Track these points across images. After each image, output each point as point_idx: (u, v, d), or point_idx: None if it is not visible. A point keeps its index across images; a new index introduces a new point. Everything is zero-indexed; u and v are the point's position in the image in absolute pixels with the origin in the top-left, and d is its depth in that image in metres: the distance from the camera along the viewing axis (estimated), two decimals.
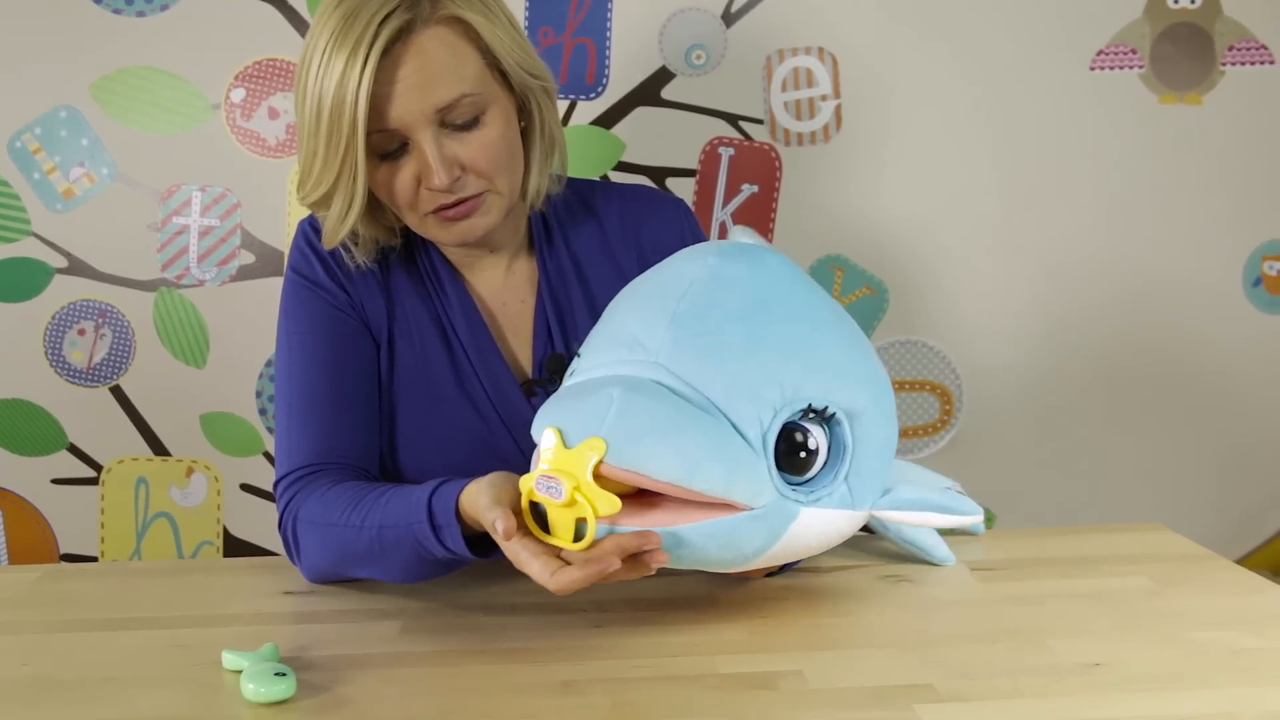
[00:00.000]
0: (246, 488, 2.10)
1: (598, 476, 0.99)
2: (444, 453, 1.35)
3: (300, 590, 1.32)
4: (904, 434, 2.16)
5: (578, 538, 1.02)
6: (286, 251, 1.40)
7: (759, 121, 2.06)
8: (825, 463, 1.06)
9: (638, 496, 1.03)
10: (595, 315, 1.40)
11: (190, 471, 2.09)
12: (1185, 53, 2.09)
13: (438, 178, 1.24)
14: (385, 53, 1.21)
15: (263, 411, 2.07)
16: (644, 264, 1.43)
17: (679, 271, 1.10)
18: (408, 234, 1.40)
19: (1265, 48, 2.10)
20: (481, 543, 1.16)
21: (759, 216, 2.08)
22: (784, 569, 1.31)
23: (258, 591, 1.32)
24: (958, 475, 1.71)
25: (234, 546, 2.11)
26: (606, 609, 1.24)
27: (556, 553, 1.04)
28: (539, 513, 1.04)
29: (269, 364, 2.05)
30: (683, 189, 2.06)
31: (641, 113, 2.04)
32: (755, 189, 2.08)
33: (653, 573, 1.03)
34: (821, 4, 2.06)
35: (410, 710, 1.02)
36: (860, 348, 1.11)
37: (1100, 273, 2.15)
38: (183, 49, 1.99)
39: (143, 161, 2.01)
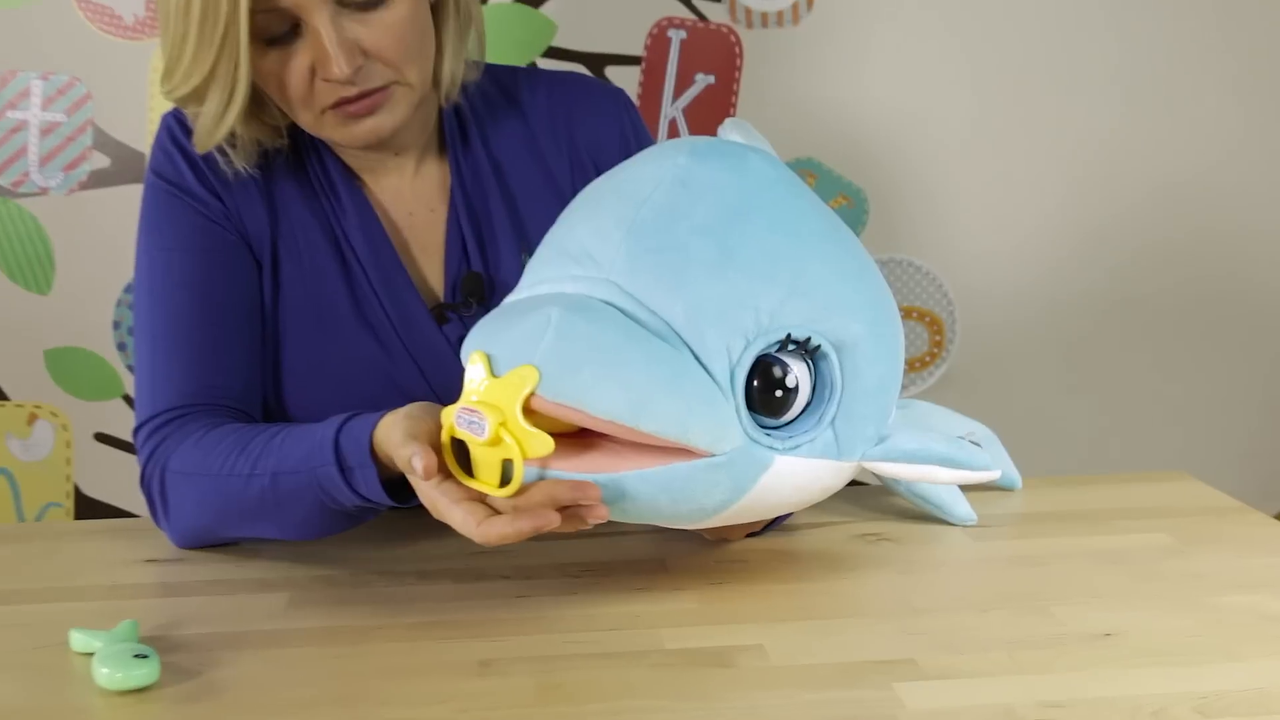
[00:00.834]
0: (102, 437, 2.09)
1: (529, 412, 0.98)
2: (339, 390, 1.35)
3: (166, 558, 1.31)
4: None
5: (504, 481, 1.02)
6: (148, 153, 1.38)
7: None
8: (808, 403, 1.06)
9: (578, 436, 1.03)
10: (519, 227, 1.40)
11: (33, 419, 2.07)
12: None
13: (337, 67, 1.23)
14: None
15: (121, 346, 2.06)
16: (578, 167, 1.44)
17: (642, 173, 1.10)
18: (295, 133, 1.39)
19: None
20: (400, 489, 1.17)
21: (715, 112, 2.07)
22: (769, 527, 1.32)
23: (114, 560, 1.31)
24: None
25: (87, 508, 2.10)
26: (533, 575, 1.24)
27: (483, 499, 1.04)
28: (463, 452, 1.05)
29: (128, 289, 2.03)
30: (625, 79, 2.06)
31: None
32: (711, 80, 2.08)
33: (589, 528, 1.03)
34: None
35: (298, 697, 1.02)
36: (858, 267, 1.10)
37: (1120, 177, 2.16)
38: None
39: None
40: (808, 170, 2.09)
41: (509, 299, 1.11)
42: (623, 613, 1.15)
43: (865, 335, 1.07)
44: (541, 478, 1.01)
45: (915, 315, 2.17)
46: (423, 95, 1.32)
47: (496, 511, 1.02)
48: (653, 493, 1.02)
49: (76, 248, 2.02)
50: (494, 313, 1.08)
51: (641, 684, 1.02)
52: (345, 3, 1.23)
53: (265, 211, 1.38)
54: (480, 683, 1.03)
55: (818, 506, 1.37)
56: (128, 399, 2.07)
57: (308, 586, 1.23)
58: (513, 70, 1.49)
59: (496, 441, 0.99)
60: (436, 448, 1.06)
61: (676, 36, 2.06)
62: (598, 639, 1.10)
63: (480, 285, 1.38)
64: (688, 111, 2.07)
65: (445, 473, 1.05)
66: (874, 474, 1.12)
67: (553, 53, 2.04)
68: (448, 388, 1.34)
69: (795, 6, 2.07)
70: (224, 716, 0.99)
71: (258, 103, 1.32)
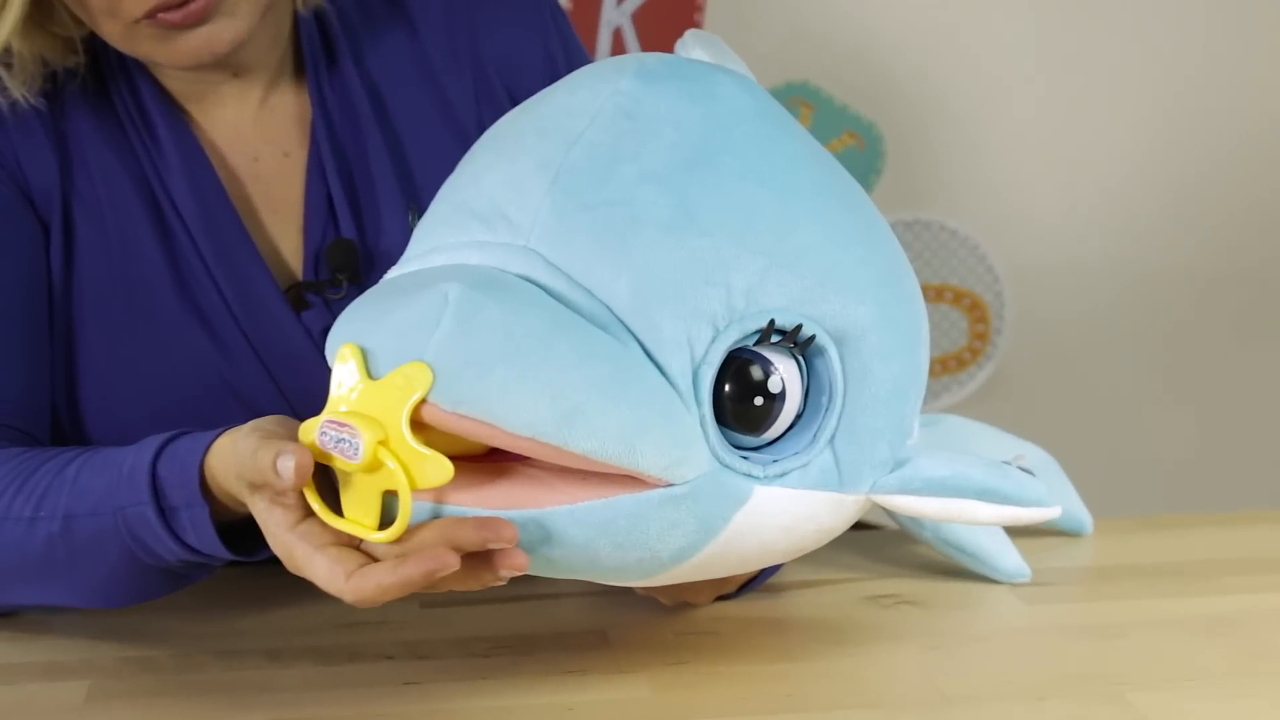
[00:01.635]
0: None
1: (419, 426, 0.98)
2: (155, 399, 1.35)
3: None
4: None
5: (385, 523, 1.01)
6: None
7: None
8: (798, 415, 1.06)
9: (487, 460, 1.03)
10: (406, 177, 1.41)
11: None
12: None
13: None
14: None
15: None
16: (485, 95, 1.44)
17: (572, 103, 1.09)
18: (96, 47, 1.38)
19: None
20: (241, 537, 1.16)
21: (676, 21, 2.08)
22: (748, 586, 1.33)
23: None
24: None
25: None
26: (426, 654, 1.24)
27: (357, 545, 1.03)
28: (329, 483, 1.04)
29: None
30: None
31: None
32: None
33: (502, 582, 1.03)
34: None
35: None
36: (865, 229, 1.10)
37: (1222, 116, 2.18)
38: None
39: None
40: (801, 99, 2.10)
41: (391, 274, 1.10)
42: (550, 705, 1.15)
43: (875, 322, 1.06)
44: (437, 515, 1.00)
45: (950, 297, 2.18)
46: None
47: (374, 559, 1.02)
48: (588, 535, 1.00)
49: None
50: (370, 293, 1.07)
51: None
52: None
53: (54, 156, 1.37)
54: None
55: (812, 559, 1.38)
56: None
57: (114, 672, 1.23)
58: None
59: (375, 466, 0.98)
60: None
61: None
62: None
63: (353, 256, 1.38)
64: (637, 19, 2.08)
65: (305, 511, 1.04)
66: (888, 512, 1.12)
67: None
68: (307, 395, 1.33)
69: None
70: None
71: (42, 6, 1.31)
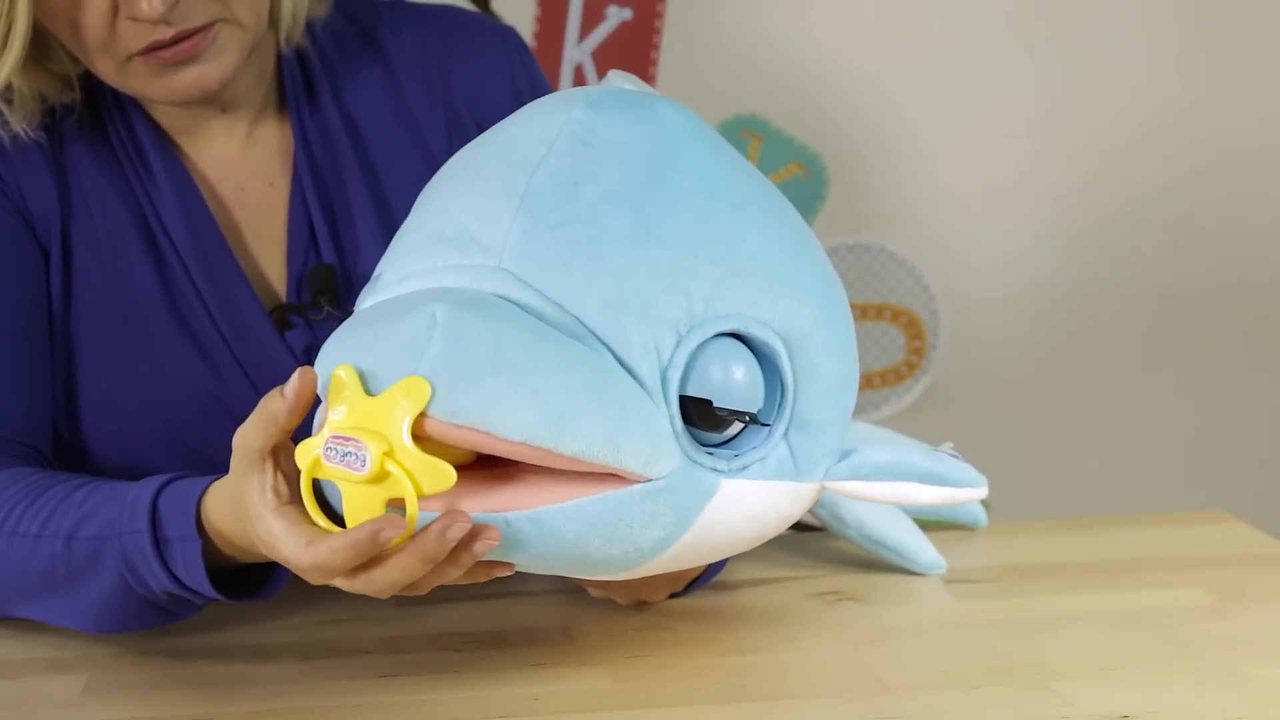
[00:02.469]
0: None
1: (416, 437, 0.98)
2: (152, 417, 1.34)
3: None
4: None
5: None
6: None
7: None
8: (755, 412, 1.06)
9: (477, 467, 1.02)
10: (382, 205, 1.41)
11: None
12: None
13: (146, 2, 1.23)
14: None
15: None
16: (456, 126, 1.44)
17: (529, 133, 1.10)
18: (91, 84, 1.38)
19: None
20: (228, 582, 1.16)
21: (633, 58, 2.09)
22: (695, 584, 1.33)
23: None
24: (932, 442, 1.74)
25: None
26: (402, 649, 1.25)
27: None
28: (325, 498, 1.03)
29: None
30: (518, 15, 2.06)
31: None
32: (627, 15, 2.09)
33: (483, 581, 1.03)
34: None
35: None
36: (800, 238, 1.11)
37: (1151, 149, 2.19)
38: None
39: None
40: (751, 131, 2.11)
41: (366, 300, 1.11)
42: (517, 696, 1.16)
43: (819, 322, 1.08)
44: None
45: (888, 315, 2.19)
46: (257, 37, 1.32)
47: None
48: (580, 531, 1.01)
49: None
50: (354, 318, 1.07)
51: None
52: None
53: (53, 184, 1.37)
54: None
55: (761, 558, 1.39)
56: None
57: (110, 666, 1.23)
58: (372, 5, 1.49)
59: (381, 477, 0.97)
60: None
61: None
62: None
63: (333, 280, 1.38)
64: (598, 56, 2.08)
65: (292, 499, 1.04)
66: (822, 514, 1.12)
67: None
68: None
69: None
70: None
71: (40, 45, 1.31)
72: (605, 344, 1.01)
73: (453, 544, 0.96)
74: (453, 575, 1.00)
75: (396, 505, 0.98)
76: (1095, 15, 2.15)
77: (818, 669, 1.21)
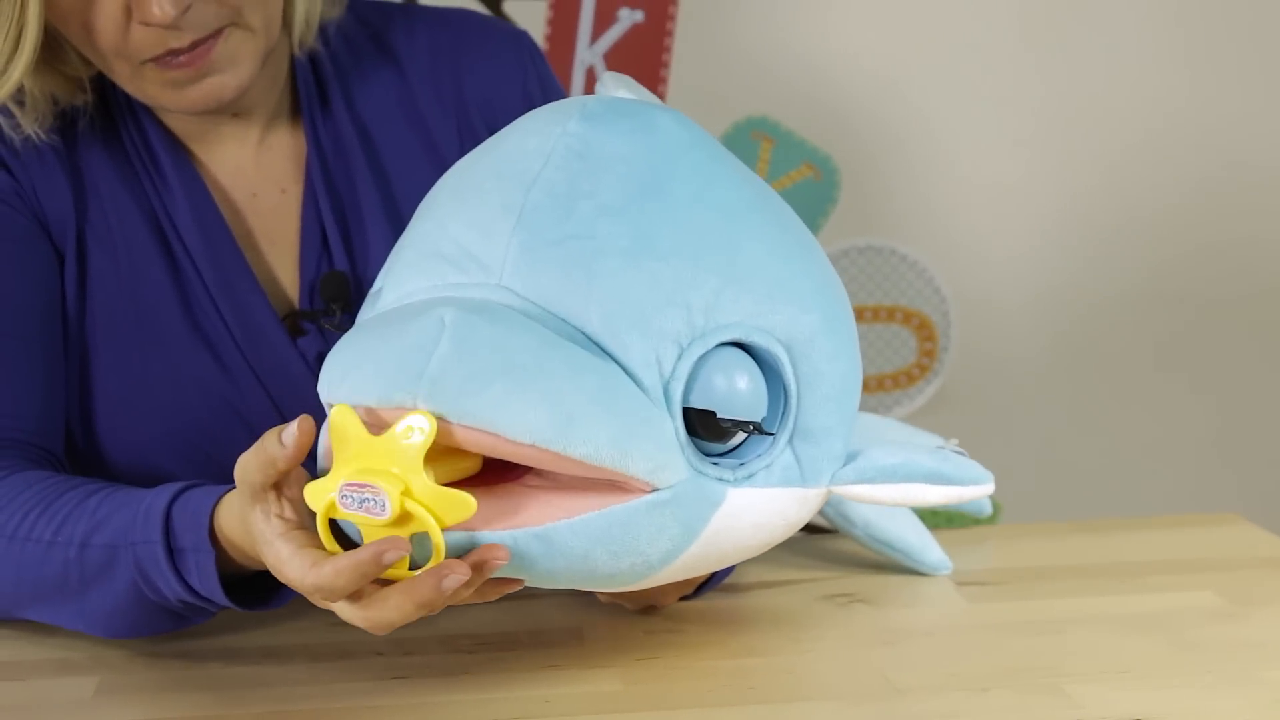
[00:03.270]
0: None
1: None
2: (165, 421, 1.35)
3: None
4: (864, 385, 2.19)
5: (414, 565, 1.00)
6: None
7: None
8: (760, 421, 1.06)
9: (481, 484, 1.02)
10: (393, 212, 1.41)
11: None
12: None
13: (158, 6, 1.23)
14: None
15: None
16: (468, 131, 1.44)
17: (524, 147, 1.10)
18: (103, 86, 1.38)
19: None
20: (242, 588, 1.16)
21: (645, 61, 2.09)
22: (704, 587, 1.33)
23: None
24: None
25: None
26: (413, 650, 1.25)
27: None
28: (342, 534, 1.03)
29: None
30: (529, 18, 2.06)
31: None
32: (639, 17, 2.09)
33: (493, 599, 1.04)
34: None
35: None
36: (800, 243, 1.11)
37: (1164, 155, 2.19)
38: None
39: None
40: (762, 133, 2.11)
41: (370, 314, 1.10)
42: (528, 698, 1.16)
43: (820, 328, 1.08)
44: (473, 543, 1.00)
45: (900, 317, 2.19)
46: (270, 43, 1.32)
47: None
48: (587, 545, 1.01)
49: None
50: (359, 326, 1.07)
51: None
52: None
53: (68, 188, 1.37)
54: None
55: (771, 561, 1.39)
56: None
57: (122, 668, 1.23)
58: (384, 8, 1.50)
59: (403, 519, 0.97)
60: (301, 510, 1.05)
61: None
62: None
63: (345, 286, 1.38)
64: (610, 58, 2.08)
65: (297, 524, 1.04)
66: (829, 514, 1.11)
67: None
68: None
69: None
70: None
71: (52, 47, 1.31)
72: (610, 357, 1.01)
73: (449, 593, 0.97)
74: (464, 595, 1.00)
75: (418, 536, 0.98)
76: (1107, 20, 2.15)
77: (828, 671, 1.21)
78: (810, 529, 1.44)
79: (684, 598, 1.33)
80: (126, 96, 1.37)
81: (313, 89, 1.43)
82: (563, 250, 1.03)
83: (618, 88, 1.19)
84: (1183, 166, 2.20)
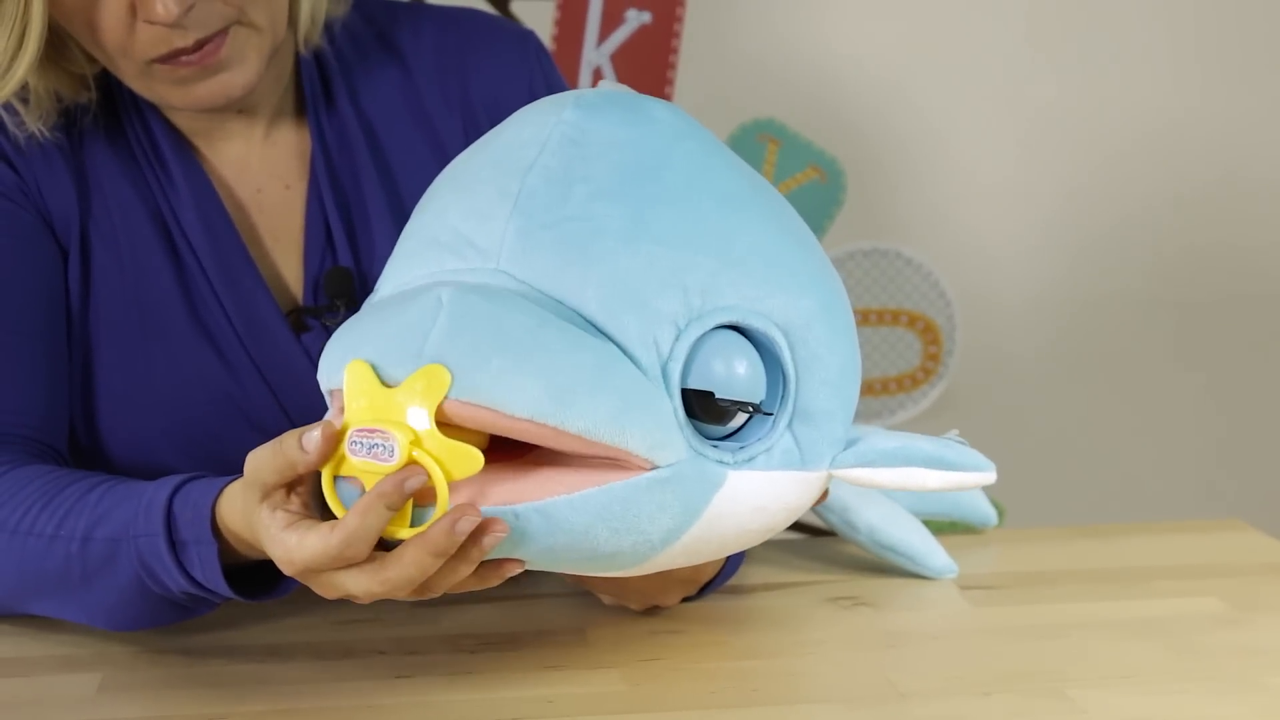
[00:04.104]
0: None
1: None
2: (168, 417, 1.35)
3: None
4: (869, 389, 2.19)
5: (415, 520, 1.00)
6: None
7: None
8: (758, 404, 1.06)
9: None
10: (398, 209, 1.41)
11: None
12: None
13: (161, 4, 1.23)
14: None
15: None
16: (473, 130, 1.44)
17: (520, 136, 1.10)
18: (108, 84, 1.38)
19: None
20: (245, 579, 1.16)
21: (652, 61, 2.09)
22: (708, 588, 1.33)
23: None
24: None
25: None
26: (416, 649, 1.25)
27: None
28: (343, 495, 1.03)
29: None
30: (537, 18, 2.06)
31: None
32: (646, 18, 2.09)
33: (494, 585, 1.04)
34: None
35: None
36: (797, 233, 1.12)
37: (1167, 158, 2.19)
38: None
39: None
40: (768, 135, 2.11)
41: (371, 302, 1.11)
42: (531, 698, 1.16)
43: (817, 313, 1.08)
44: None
45: (904, 320, 2.19)
46: (276, 41, 1.32)
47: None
48: (587, 521, 1.00)
49: None
50: (360, 313, 1.08)
51: None
52: None
53: (72, 184, 1.37)
54: None
55: (775, 563, 1.39)
56: None
57: (126, 665, 1.23)
58: (390, 6, 1.50)
59: (409, 466, 0.97)
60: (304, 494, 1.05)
61: None
62: None
63: (349, 283, 1.39)
64: (616, 59, 2.08)
65: (302, 515, 1.04)
66: (833, 520, 1.11)
67: None
68: (308, 413, 1.32)
69: None
70: None
71: (56, 45, 1.31)
72: (608, 338, 1.01)
73: (463, 537, 0.96)
74: (463, 572, 1.00)
75: (423, 500, 0.98)
76: (1112, 23, 2.15)
77: (831, 674, 1.21)
78: (813, 531, 1.44)
79: (687, 598, 1.32)
80: (131, 93, 1.37)
81: (318, 86, 1.43)
82: (559, 233, 1.04)
83: (612, 89, 1.20)
84: (1185, 170, 2.20)
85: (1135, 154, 2.18)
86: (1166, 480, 2.25)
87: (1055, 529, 1.54)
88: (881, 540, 1.42)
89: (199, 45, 1.25)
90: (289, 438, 1.01)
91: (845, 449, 1.10)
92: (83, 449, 1.36)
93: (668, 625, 1.29)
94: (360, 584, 1.01)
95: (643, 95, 1.14)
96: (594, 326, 1.01)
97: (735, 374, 1.04)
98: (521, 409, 0.96)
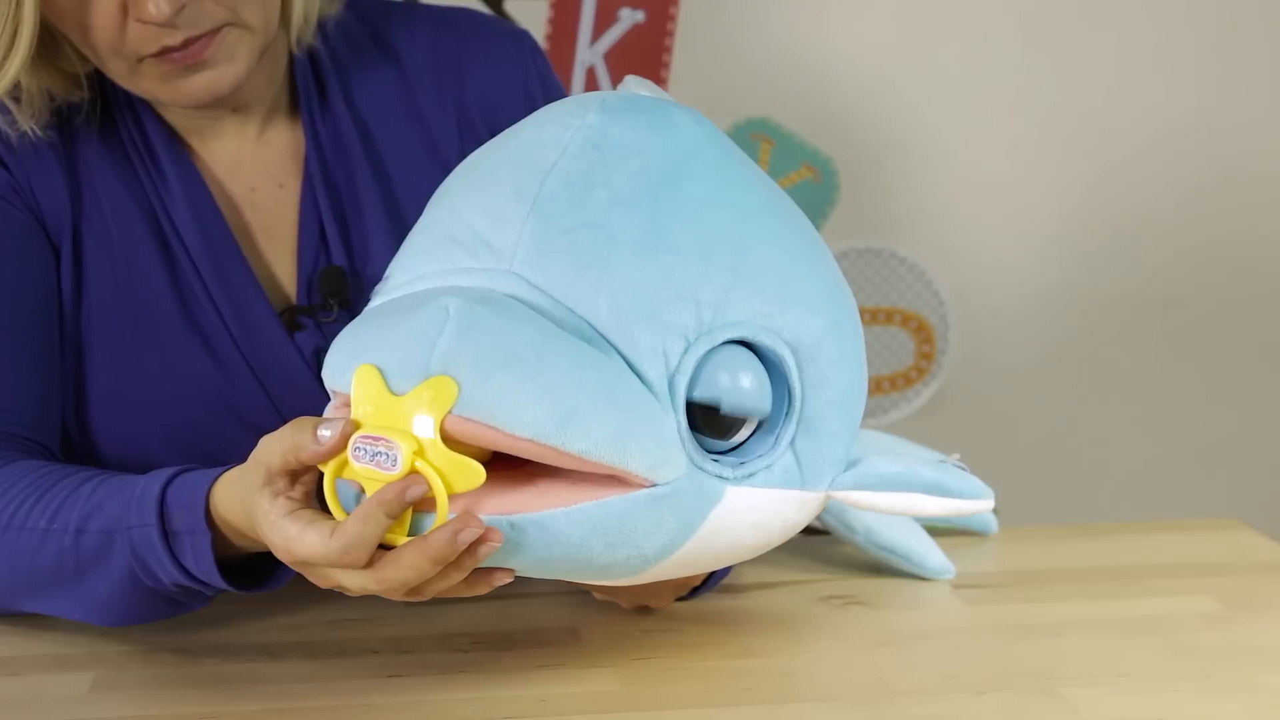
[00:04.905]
0: None
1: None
2: (161, 416, 1.34)
3: None
4: None
5: (413, 528, 1.00)
6: None
7: None
8: (762, 420, 1.07)
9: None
10: (393, 208, 1.41)
11: None
12: None
13: (153, 4, 1.23)
14: None
15: None
16: (468, 130, 1.44)
17: (542, 137, 1.10)
18: (102, 83, 1.38)
19: None
20: (238, 572, 1.16)
21: (645, 61, 2.09)
22: (703, 587, 1.33)
23: None
24: (940, 448, 1.74)
25: None
26: (410, 649, 1.25)
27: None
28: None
29: None
30: (531, 17, 2.06)
31: None
32: (640, 17, 2.09)
33: (486, 592, 1.03)
34: None
35: None
36: (810, 247, 1.11)
37: (1162, 158, 2.19)
38: None
39: None
40: (762, 134, 2.11)
41: (377, 301, 1.10)
42: (524, 697, 1.16)
43: (827, 332, 1.07)
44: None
45: (898, 319, 2.19)
46: (267, 39, 1.32)
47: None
48: (583, 535, 1.00)
49: None
50: (365, 315, 1.07)
51: None
52: None
53: (65, 183, 1.37)
54: None
55: (769, 562, 1.39)
56: None
57: (118, 664, 1.23)
58: (385, 6, 1.49)
59: (411, 476, 0.97)
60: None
61: None
62: None
63: (343, 282, 1.38)
64: (610, 58, 2.08)
65: (303, 504, 1.04)
66: (829, 521, 1.11)
67: None
68: (300, 411, 1.29)
69: None
70: None
71: (49, 44, 1.31)
72: (615, 348, 1.01)
73: (464, 547, 0.96)
74: (455, 578, 1.00)
75: (422, 507, 0.98)
76: (1108, 21, 2.15)
77: (825, 673, 1.21)
78: (808, 531, 1.44)
79: (680, 599, 1.32)
80: (125, 92, 1.37)
81: (311, 85, 1.43)
82: (574, 238, 1.03)
83: (639, 88, 1.19)
84: (1183, 171, 2.20)
85: (1131, 153, 2.18)
86: (1162, 478, 2.25)
87: (1049, 528, 1.55)
88: (879, 541, 1.42)
89: (187, 44, 1.25)
90: (304, 422, 1.01)
91: (846, 470, 1.10)
92: (75, 447, 1.36)
93: (662, 625, 1.29)
94: (356, 581, 1.01)
95: (667, 100, 1.13)
96: (602, 336, 1.01)
97: (741, 389, 1.03)
98: (523, 428, 0.96)
